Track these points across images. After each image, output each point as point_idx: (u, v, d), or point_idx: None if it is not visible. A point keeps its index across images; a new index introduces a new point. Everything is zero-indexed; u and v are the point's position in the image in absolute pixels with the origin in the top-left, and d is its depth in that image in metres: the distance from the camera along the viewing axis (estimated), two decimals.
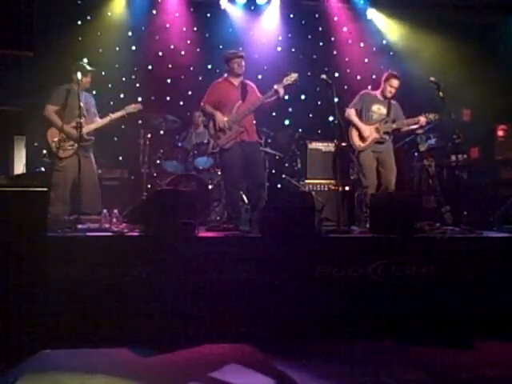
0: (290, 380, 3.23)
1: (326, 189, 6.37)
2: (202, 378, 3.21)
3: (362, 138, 5.65)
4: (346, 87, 7.58)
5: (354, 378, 3.26)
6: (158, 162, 6.77)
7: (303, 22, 8.27)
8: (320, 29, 8.25)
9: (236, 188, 5.31)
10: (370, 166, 5.65)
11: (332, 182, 6.23)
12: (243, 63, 5.27)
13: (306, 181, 6.50)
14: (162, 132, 7.10)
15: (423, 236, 4.40)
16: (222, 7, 7.79)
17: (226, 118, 5.17)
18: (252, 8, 7.98)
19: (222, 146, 5.21)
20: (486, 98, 6.94)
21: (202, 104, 5.34)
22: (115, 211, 4.71)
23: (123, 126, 6.85)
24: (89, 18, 7.43)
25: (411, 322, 4.04)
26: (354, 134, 5.69)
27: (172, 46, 7.80)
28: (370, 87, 6.61)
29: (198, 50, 7.84)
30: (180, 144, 6.86)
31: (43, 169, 5.73)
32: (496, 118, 7.00)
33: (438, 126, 6.00)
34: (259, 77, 7.00)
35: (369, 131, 5.62)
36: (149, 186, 6.52)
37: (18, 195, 3.49)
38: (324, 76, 5.05)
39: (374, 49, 8.26)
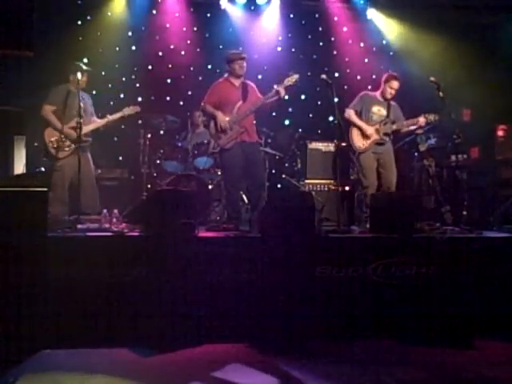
0: (295, 379, 3.22)
1: (326, 189, 6.37)
2: (204, 378, 3.21)
3: (365, 136, 5.64)
4: (346, 87, 7.58)
5: (354, 377, 3.26)
6: (158, 162, 6.77)
7: (303, 22, 8.26)
8: (320, 29, 8.24)
9: (236, 188, 5.31)
10: (371, 167, 5.66)
11: (332, 182, 6.23)
12: (245, 64, 5.27)
13: (306, 181, 6.50)
14: (162, 132, 7.10)
15: (423, 236, 4.40)
16: (222, 7, 7.78)
17: (227, 118, 5.17)
18: (252, 8, 7.98)
19: (222, 146, 5.21)
20: (486, 98, 6.93)
21: (202, 104, 5.34)
22: (115, 211, 4.71)
23: (123, 126, 6.85)
24: (89, 17, 7.42)
25: (411, 322, 4.04)
26: (355, 135, 5.69)
27: (172, 46, 7.79)
28: (370, 87, 6.61)
29: (198, 50, 7.83)
30: (180, 144, 6.85)
31: (43, 169, 5.73)
32: (496, 118, 6.99)
33: (437, 126, 6.00)
34: (259, 77, 6.99)
35: (371, 130, 5.63)
36: (149, 186, 6.52)
37: (17, 195, 3.49)
38: (324, 76, 5.06)
39: (374, 49, 8.25)
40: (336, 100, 5.02)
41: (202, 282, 3.90)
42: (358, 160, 5.69)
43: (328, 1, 7.94)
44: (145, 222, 4.16)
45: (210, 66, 7.78)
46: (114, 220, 4.62)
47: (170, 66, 7.80)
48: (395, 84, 5.66)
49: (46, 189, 3.68)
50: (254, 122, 5.38)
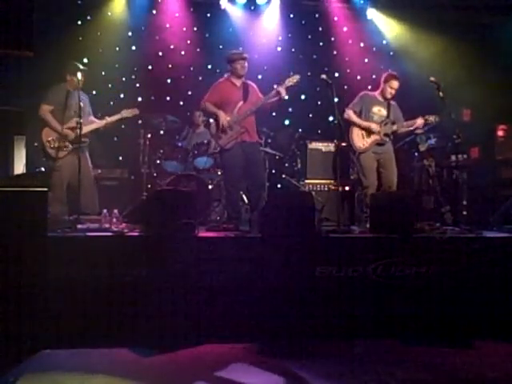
0: (301, 379, 3.22)
1: (326, 189, 6.38)
2: (209, 378, 3.21)
3: (366, 135, 5.63)
4: (345, 87, 7.59)
5: (355, 377, 3.26)
6: (158, 162, 6.77)
7: (303, 22, 8.27)
8: (320, 29, 8.25)
9: (236, 188, 5.31)
10: (371, 167, 5.65)
11: (332, 182, 6.23)
12: (246, 64, 5.27)
13: (306, 181, 6.51)
14: (162, 132, 7.10)
15: (423, 236, 4.40)
16: (222, 7, 7.79)
17: (228, 118, 5.17)
18: (252, 8, 7.98)
19: (222, 146, 5.21)
20: (486, 98, 6.93)
21: (202, 102, 5.33)
22: (115, 211, 4.71)
23: (123, 126, 6.85)
24: (89, 18, 7.43)
25: (411, 322, 4.04)
26: (355, 135, 5.69)
27: (172, 46, 7.80)
28: (370, 87, 6.61)
29: (198, 50, 7.84)
30: (180, 144, 6.86)
31: (43, 169, 5.73)
32: (496, 118, 6.99)
33: (438, 126, 6.00)
34: (259, 77, 6.99)
35: (375, 125, 5.60)
36: (149, 186, 6.52)
37: (18, 195, 3.49)
38: (324, 76, 5.05)
39: (374, 49, 8.26)
40: (336, 100, 5.02)
41: (202, 281, 3.90)
42: (358, 160, 5.69)
43: (328, 1, 7.95)
44: (145, 221, 4.16)
45: (210, 66, 7.79)
46: (114, 220, 4.62)
47: (170, 66, 7.81)
48: (395, 84, 5.66)
49: (45, 189, 3.68)
50: (254, 121, 5.38)
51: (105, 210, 4.72)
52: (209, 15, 7.99)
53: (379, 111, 5.72)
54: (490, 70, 7.29)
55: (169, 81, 7.92)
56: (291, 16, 8.16)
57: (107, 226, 4.55)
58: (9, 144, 4.90)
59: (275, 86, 5.13)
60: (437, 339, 3.92)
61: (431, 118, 5.54)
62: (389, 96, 5.71)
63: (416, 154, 6.67)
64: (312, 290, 3.99)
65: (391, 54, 8.15)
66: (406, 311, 4.07)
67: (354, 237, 4.54)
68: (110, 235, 4.26)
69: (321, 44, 8.31)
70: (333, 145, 6.24)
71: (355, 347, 3.81)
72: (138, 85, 7.68)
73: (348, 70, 8.23)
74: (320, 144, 6.60)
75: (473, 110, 7.23)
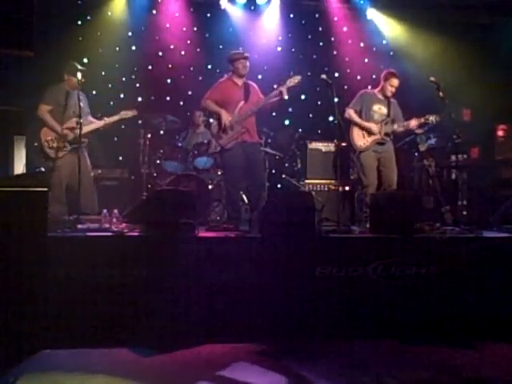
0: (303, 378, 3.22)
1: (326, 189, 6.38)
2: (211, 378, 3.21)
3: (366, 134, 5.63)
4: (345, 87, 7.57)
5: (355, 377, 3.26)
6: (158, 162, 6.77)
7: (303, 22, 8.27)
8: (320, 29, 8.24)
9: (236, 188, 5.31)
10: (371, 166, 5.65)
11: (332, 181, 6.23)
12: (248, 64, 5.28)
13: (306, 181, 6.51)
14: (162, 132, 7.10)
15: (423, 236, 4.39)
16: (222, 7, 7.79)
17: (230, 118, 5.17)
18: (252, 8, 7.98)
19: (223, 146, 5.21)
20: (486, 97, 6.94)
21: (203, 100, 5.32)
22: (115, 211, 4.71)
23: (123, 126, 6.84)
24: (89, 18, 7.42)
25: (411, 322, 4.04)
26: (355, 134, 5.68)
27: (172, 46, 7.79)
28: (369, 87, 6.61)
29: (198, 50, 7.84)
30: (180, 144, 6.86)
31: (43, 169, 5.73)
32: (496, 118, 7.00)
33: (437, 126, 5.99)
34: (259, 77, 6.99)
35: (375, 126, 5.60)
36: (149, 186, 6.52)
37: (18, 195, 3.49)
38: (324, 76, 5.06)
39: (374, 49, 8.25)
40: (336, 100, 5.02)
41: (202, 281, 3.90)
42: (358, 159, 5.69)
43: (328, 1, 7.94)
44: (145, 221, 4.15)
45: (210, 66, 7.79)
46: (114, 220, 4.61)
47: (170, 66, 7.81)
48: (395, 81, 5.65)
49: (46, 189, 3.68)
50: (255, 121, 5.38)
51: (105, 210, 4.72)
52: (209, 15, 7.99)
53: (379, 109, 5.71)
54: (490, 70, 7.29)
55: (169, 81, 7.92)
56: (291, 16, 8.15)
57: (107, 226, 4.55)
58: (9, 144, 4.91)
59: (276, 86, 5.13)
60: (437, 339, 3.92)
61: (431, 118, 5.53)
62: (389, 94, 5.70)
63: (416, 153, 6.67)
64: (312, 289, 3.99)
65: (391, 53, 8.14)
66: (405, 311, 4.07)
67: (354, 237, 4.54)
68: (110, 235, 4.25)
69: (321, 44, 8.30)
70: (333, 145, 6.23)
71: (355, 347, 3.81)
72: (137, 85, 7.67)
73: (348, 70, 8.22)
74: (320, 144, 6.60)
75: (473, 110, 7.24)
